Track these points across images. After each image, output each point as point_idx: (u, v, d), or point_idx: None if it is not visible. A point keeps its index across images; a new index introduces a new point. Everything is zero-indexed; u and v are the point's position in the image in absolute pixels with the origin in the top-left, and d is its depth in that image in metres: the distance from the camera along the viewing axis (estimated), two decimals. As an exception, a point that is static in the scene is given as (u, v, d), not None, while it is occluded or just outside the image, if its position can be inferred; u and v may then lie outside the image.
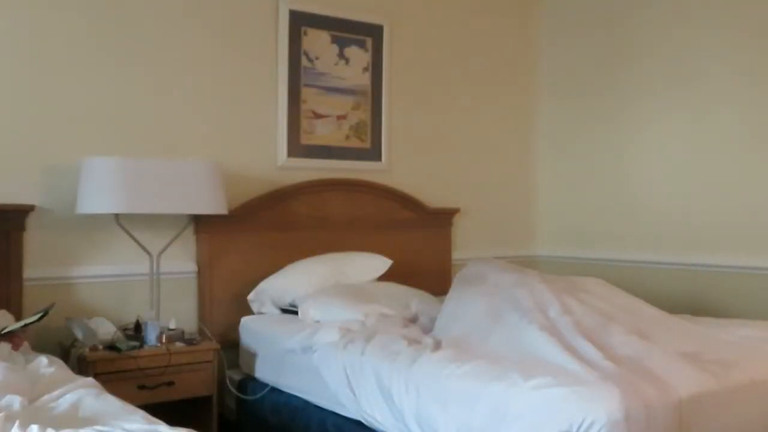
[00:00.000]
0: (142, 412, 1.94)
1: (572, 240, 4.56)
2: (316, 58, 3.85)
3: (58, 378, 2.23)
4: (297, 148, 3.79)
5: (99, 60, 3.25)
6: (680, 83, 3.92)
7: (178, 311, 3.32)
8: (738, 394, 2.18)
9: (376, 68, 4.04)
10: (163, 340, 3.02)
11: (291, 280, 3.44)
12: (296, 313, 3.32)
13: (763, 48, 3.58)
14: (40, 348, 2.69)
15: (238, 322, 3.42)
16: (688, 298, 3.83)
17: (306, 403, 2.96)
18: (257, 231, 3.57)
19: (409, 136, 4.19)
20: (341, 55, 3.93)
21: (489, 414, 2.14)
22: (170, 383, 2.96)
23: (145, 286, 3.27)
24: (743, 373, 2.26)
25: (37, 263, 3.09)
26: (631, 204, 4.18)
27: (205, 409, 3.08)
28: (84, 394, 2.06)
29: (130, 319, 3.17)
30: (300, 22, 3.78)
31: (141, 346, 2.96)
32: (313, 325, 3.08)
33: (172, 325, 3.11)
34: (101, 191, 2.96)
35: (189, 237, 3.47)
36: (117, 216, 3.10)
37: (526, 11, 4.73)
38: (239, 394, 3.29)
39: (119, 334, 3.02)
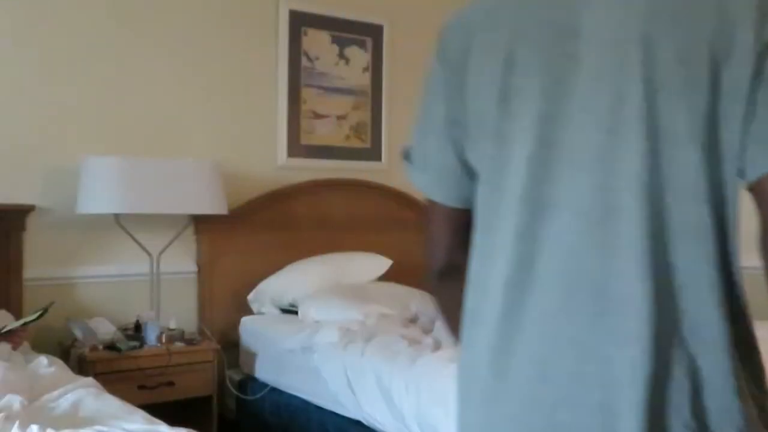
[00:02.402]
0: (142, 412, 1.95)
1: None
2: (316, 58, 3.84)
3: (58, 378, 2.23)
4: (297, 148, 3.78)
5: (99, 60, 3.25)
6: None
7: (178, 311, 3.31)
8: (738, 394, 2.18)
9: (376, 68, 4.04)
10: (163, 340, 3.01)
11: (291, 280, 3.44)
12: (296, 313, 3.32)
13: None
14: (40, 348, 2.69)
15: (238, 322, 3.42)
16: (688, 298, 3.82)
17: (306, 403, 2.97)
18: (257, 231, 3.57)
19: (409, 136, 4.17)
20: (341, 55, 3.93)
21: (489, 414, 2.14)
22: (170, 383, 2.96)
23: (145, 286, 3.27)
24: (743, 373, 2.26)
25: (37, 263, 3.09)
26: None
27: (205, 409, 3.08)
28: (84, 394, 2.07)
29: (130, 319, 3.16)
30: (300, 22, 3.78)
31: (141, 346, 2.96)
32: (313, 325, 3.08)
33: (172, 325, 3.11)
34: (101, 191, 2.97)
35: (189, 237, 3.46)
36: (117, 216, 3.10)
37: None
38: (239, 394, 3.29)
39: (119, 334, 3.02)
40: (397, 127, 4.14)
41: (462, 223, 1.02)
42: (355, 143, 3.99)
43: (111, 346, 2.90)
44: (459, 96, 0.97)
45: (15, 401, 1.90)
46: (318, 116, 3.86)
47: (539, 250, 0.88)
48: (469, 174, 0.99)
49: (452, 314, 1.04)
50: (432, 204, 1.06)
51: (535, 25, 0.91)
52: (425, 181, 1.06)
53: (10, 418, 1.77)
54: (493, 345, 0.90)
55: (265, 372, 3.22)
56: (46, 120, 3.14)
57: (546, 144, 0.88)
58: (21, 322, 2.55)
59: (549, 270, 0.88)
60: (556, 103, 0.88)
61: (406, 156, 1.10)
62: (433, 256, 1.07)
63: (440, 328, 2.91)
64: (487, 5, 0.99)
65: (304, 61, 3.80)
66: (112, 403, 2.04)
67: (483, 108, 0.93)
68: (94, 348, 2.85)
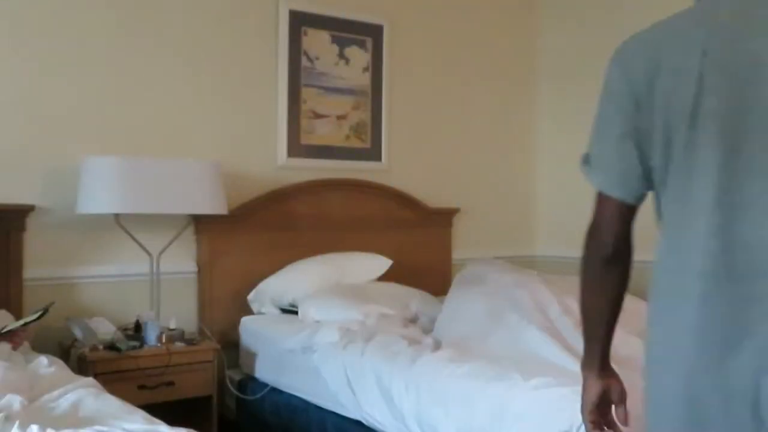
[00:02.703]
0: (142, 412, 1.94)
1: (572, 240, 4.52)
2: (316, 58, 3.84)
3: (58, 378, 2.23)
4: (297, 148, 3.78)
5: (99, 60, 3.25)
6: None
7: (178, 311, 3.31)
8: (738, 394, 2.18)
9: (376, 68, 4.04)
10: (163, 340, 3.01)
11: (291, 280, 3.44)
12: (296, 313, 3.32)
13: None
14: (40, 348, 2.69)
15: (238, 322, 3.42)
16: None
17: (306, 403, 2.97)
18: (257, 231, 3.57)
19: (409, 136, 4.19)
20: (341, 55, 3.93)
21: (489, 414, 2.14)
22: (170, 383, 2.96)
23: (145, 286, 3.27)
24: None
25: (37, 263, 3.09)
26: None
27: (205, 409, 3.08)
28: (84, 394, 2.07)
29: (130, 319, 3.16)
30: (300, 22, 3.78)
31: (141, 346, 2.96)
32: (313, 325, 3.08)
33: (172, 325, 3.11)
34: (101, 191, 2.97)
35: (189, 237, 3.46)
36: (117, 216, 3.10)
37: (525, 12, 4.73)
38: (239, 394, 3.29)
39: (119, 334, 3.02)
40: (397, 127, 4.14)
41: (631, 217, 1.25)
42: (355, 143, 3.99)
43: (111, 346, 2.90)
44: (644, 109, 1.15)
45: (15, 401, 1.90)
46: (318, 116, 3.86)
47: (734, 244, 1.06)
48: (646, 174, 1.19)
49: (605, 298, 1.29)
50: (607, 201, 1.24)
51: (722, 49, 1.09)
52: (607, 181, 1.23)
53: (10, 418, 1.77)
54: (696, 323, 1.10)
55: (265, 372, 3.22)
56: (46, 120, 3.14)
57: (734, 155, 1.06)
58: (21, 322, 2.55)
59: (745, 261, 1.05)
60: (742, 121, 1.06)
61: (586, 161, 1.28)
62: (602, 245, 1.27)
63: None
64: (671, 29, 1.18)
65: (304, 61, 3.80)
66: (112, 403, 2.04)
67: (673, 122, 1.11)
68: (94, 348, 2.85)
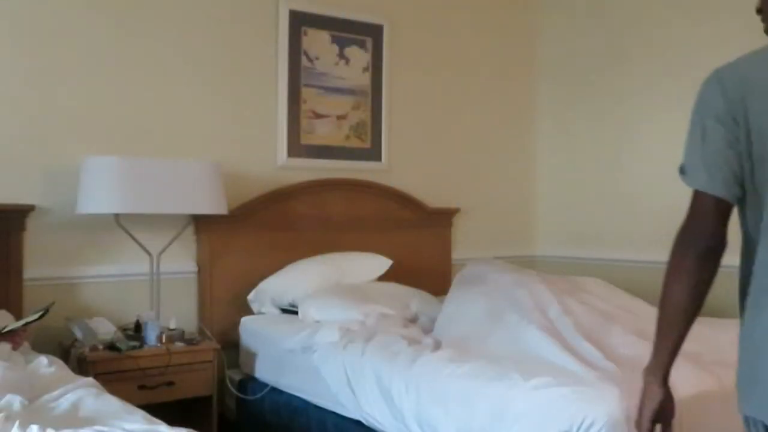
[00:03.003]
0: (142, 412, 1.94)
1: (572, 240, 4.55)
2: (316, 58, 3.84)
3: (58, 378, 2.23)
4: (297, 148, 3.78)
5: (99, 60, 3.25)
6: (680, 78, 3.91)
7: (178, 311, 3.31)
8: (738, 394, 2.18)
9: (376, 68, 4.04)
10: (163, 340, 3.01)
11: (291, 280, 3.44)
12: (296, 313, 3.32)
13: (759, 42, 3.57)
14: (40, 348, 2.69)
15: (238, 322, 3.42)
16: (688, 298, 3.81)
17: (306, 403, 2.97)
18: (257, 231, 3.57)
19: (409, 136, 4.19)
20: (341, 55, 3.93)
21: (489, 414, 2.15)
22: (170, 383, 2.96)
23: (145, 286, 3.27)
24: (743, 373, 2.26)
25: (37, 263, 3.09)
26: (631, 203, 4.18)
27: (205, 409, 3.08)
28: (84, 394, 2.06)
29: (130, 319, 3.16)
30: (300, 22, 3.78)
31: (141, 346, 2.96)
32: (313, 325, 3.08)
33: (172, 325, 3.11)
34: (101, 191, 2.97)
35: (189, 237, 3.46)
36: (117, 216, 3.10)
37: (525, 11, 4.73)
38: (239, 394, 3.29)
39: (119, 334, 3.02)
40: (397, 127, 4.14)
41: (728, 217, 1.38)
42: (355, 143, 3.99)
43: (111, 346, 2.89)
44: (741, 125, 1.33)
45: (15, 401, 1.90)
46: (318, 116, 3.86)
47: None
48: (741, 179, 1.35)
49: (692, 294, 1.39)
50: (708, 200, 1.37)
51: None
52: (711, 182, 1.37)
53: (10, 418, 1.77)
54: None
55: (265, 372, 3.22)
56: (46, 120, 3.14)
57: None
58: (22, 322, 2.55)
59: None
60: None
61: (682, 170, 1.43)
62: (701, 238, 1.38)
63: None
64: (761, 59, 1.38)
65: (304, 61, 3.80)
66: (112, 403, 2.04)
67: None
68: (94, 348, 2.85)
